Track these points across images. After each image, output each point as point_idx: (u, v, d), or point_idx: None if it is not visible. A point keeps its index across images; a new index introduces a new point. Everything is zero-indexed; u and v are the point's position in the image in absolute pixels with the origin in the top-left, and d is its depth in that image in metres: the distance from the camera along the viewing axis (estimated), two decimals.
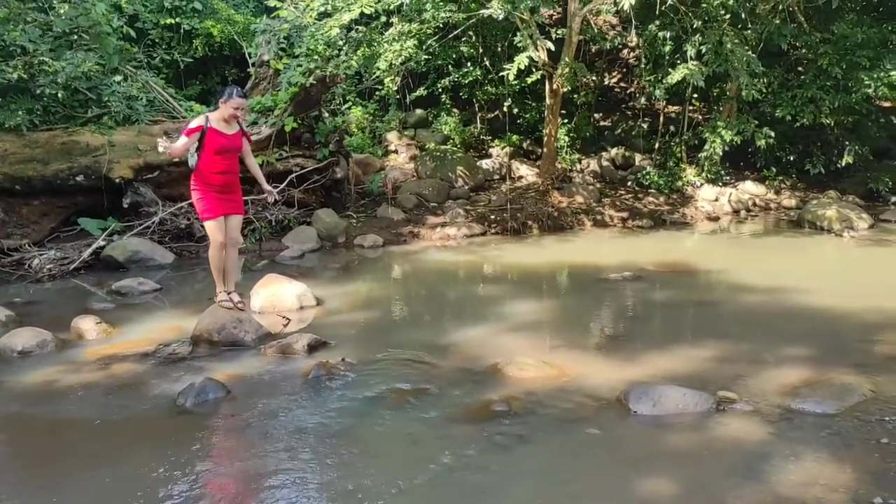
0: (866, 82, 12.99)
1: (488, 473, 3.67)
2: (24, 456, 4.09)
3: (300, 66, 10.48)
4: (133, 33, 11.19)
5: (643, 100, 15.20)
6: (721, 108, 14.61)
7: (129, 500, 3.42)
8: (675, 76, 11.86)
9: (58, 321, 6.40)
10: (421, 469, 3.71)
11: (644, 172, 14.53)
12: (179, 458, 3.86)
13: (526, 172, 14.31)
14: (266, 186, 6.42)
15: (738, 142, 13.65)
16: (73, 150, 9.92)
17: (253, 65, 11.96)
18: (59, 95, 10.01)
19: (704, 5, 12.06)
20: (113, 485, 3.56)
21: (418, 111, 15.56)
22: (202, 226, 8.89)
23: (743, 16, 12.32)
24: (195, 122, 5.86)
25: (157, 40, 12.92)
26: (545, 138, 13.35)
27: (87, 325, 6.20)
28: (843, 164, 14.51)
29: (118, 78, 10.73)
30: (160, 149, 5.74)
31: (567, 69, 12.03)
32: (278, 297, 6.97)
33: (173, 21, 12.96)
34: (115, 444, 4.13)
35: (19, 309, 7.06)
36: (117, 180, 9.76)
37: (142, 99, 10.72)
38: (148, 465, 3.76)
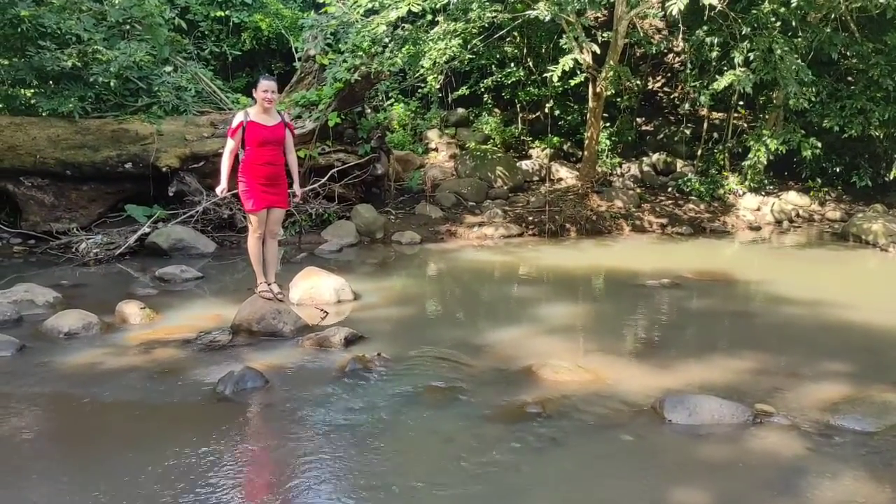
0: None
1: (520, 475, 3.69)
2: (66, 435, 4.21)
3: (345, 62, 10.59)
4: (184, 25, 11.44)
5: (687, 105, 15.03)
6: (767, 117, 14.39)
7: (167, 484, 3.50)
8: (722, 82, 11.71)
9: (103, 305, 6.57)
10: (453, 467, 3.74)
11: (685, 179, 14.38)
12: (218, 444, 3.95)
13: (565, 175, 14.26)
14: (297, 186, 6.46)
15: (784, 151, 13.43)
16: (122, 137, 10.15)
17: (299, 59, 12.10)
18: (111, 84, 10.24)
19: (754, 12, 11.89)
20: (151, 468, 3.65)
21: (460, 110, 15.60)
22: (244, 216, 9.06)
23: (793, 23, 12.11)
24: (235, 121, 6.01)
25: (206, 32, 13.15)
26: (586, 141, 13.27)
27: (132, 310, 6.35)
28: (892, 178, 14.20)
29: (168, 68, 10.96)
30: (219, 192, 6.14)
31: (611, 72, 11.96)
32: (317, 290, 7.06)
33: (223, 14, 13.19)
34: (155, 428, 4.23)
35: (66, 291, 7.25)
36: (164, 169, 9.97)
37: (190, 90, 10.93)
38: (187, 450, 3.85)
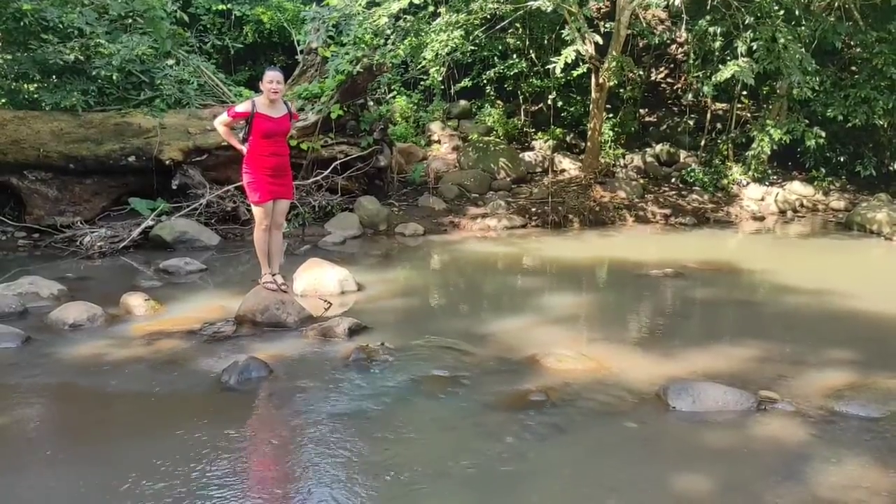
0: None
1: (524, 462, 3.69)
2: (71, 426, 4.21)
3: (347, 54, 10.58)
4: (186, 18, 11.42)
5: (690, 96, 15.00)
6: (770, 107, 14.35)
7: (173, 472, 3.51)
8: (725, 73, 11.66)
9: (107, 297, 6.57)
10: (456, 455, 3.73)
11: (689, 169, 14.36)
12: (222, 433, 3.95)
13: (568, 166, 14.24)
14: None
15: (787, 141, 13.40)
16: (125, 131, 10.16)
17: (301, 52, 12.10)
18: (114, 77, 10.26)
19: (757, 1, 11.85)
20: (157, 457, 3.65)
21: (462, 102, 15.58)
22: (248, 209, 9.08)
23: (797, 12, 12.06)
24: (242, 107, 5.99)
25: (208, 26, 13.15)
26: (589, 132, 13.26)
27: (136, 302, 6.36)
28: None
29: (170, 62, 10.97)
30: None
31: (614, 63, 11.93)
32: (320, 281, 7.06)
33: (225, 7, 13.19)
34: (160, 418, 4.23)
35: (71, 284, 7.25)
36: (167, 162, 9.98)
37: (193, 83, 10.94)
38: (192, 439, 3.86)
